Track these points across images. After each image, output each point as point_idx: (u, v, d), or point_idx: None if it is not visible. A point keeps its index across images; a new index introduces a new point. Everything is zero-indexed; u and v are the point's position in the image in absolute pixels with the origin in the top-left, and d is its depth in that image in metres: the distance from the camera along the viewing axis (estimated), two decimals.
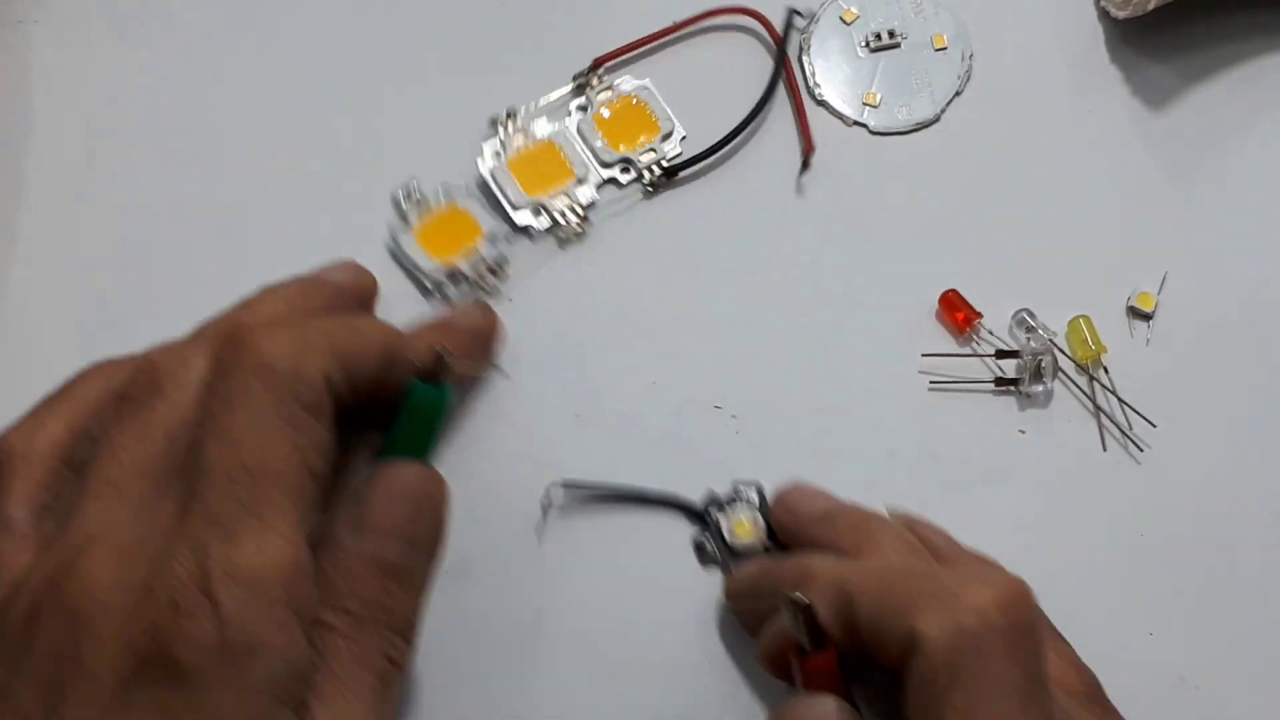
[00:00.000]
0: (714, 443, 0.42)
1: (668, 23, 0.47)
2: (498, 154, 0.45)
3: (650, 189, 0.45)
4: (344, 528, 0.31)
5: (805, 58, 0.48)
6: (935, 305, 0.44)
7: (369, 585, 0.31)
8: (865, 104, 0.47)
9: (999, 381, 0.43)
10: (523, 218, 0.44)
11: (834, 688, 0.32)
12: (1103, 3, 0.48)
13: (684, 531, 0.41)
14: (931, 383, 0.43)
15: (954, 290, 0.44)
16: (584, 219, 0.45)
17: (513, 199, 0.44)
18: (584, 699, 0.39)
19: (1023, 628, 0.30)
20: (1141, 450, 0.43)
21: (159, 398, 0.31)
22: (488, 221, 0.44)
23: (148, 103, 0.46)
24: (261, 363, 0.30)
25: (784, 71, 0.47)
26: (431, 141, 0.46)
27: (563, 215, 0.44)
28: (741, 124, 0.46)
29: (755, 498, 0.41)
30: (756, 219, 0.45)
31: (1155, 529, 0.42)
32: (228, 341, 0.30)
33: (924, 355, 0.43)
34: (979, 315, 0.44)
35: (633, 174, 0.45)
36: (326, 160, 0.46)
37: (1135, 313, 0.44)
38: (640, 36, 0.47)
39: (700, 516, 0.41)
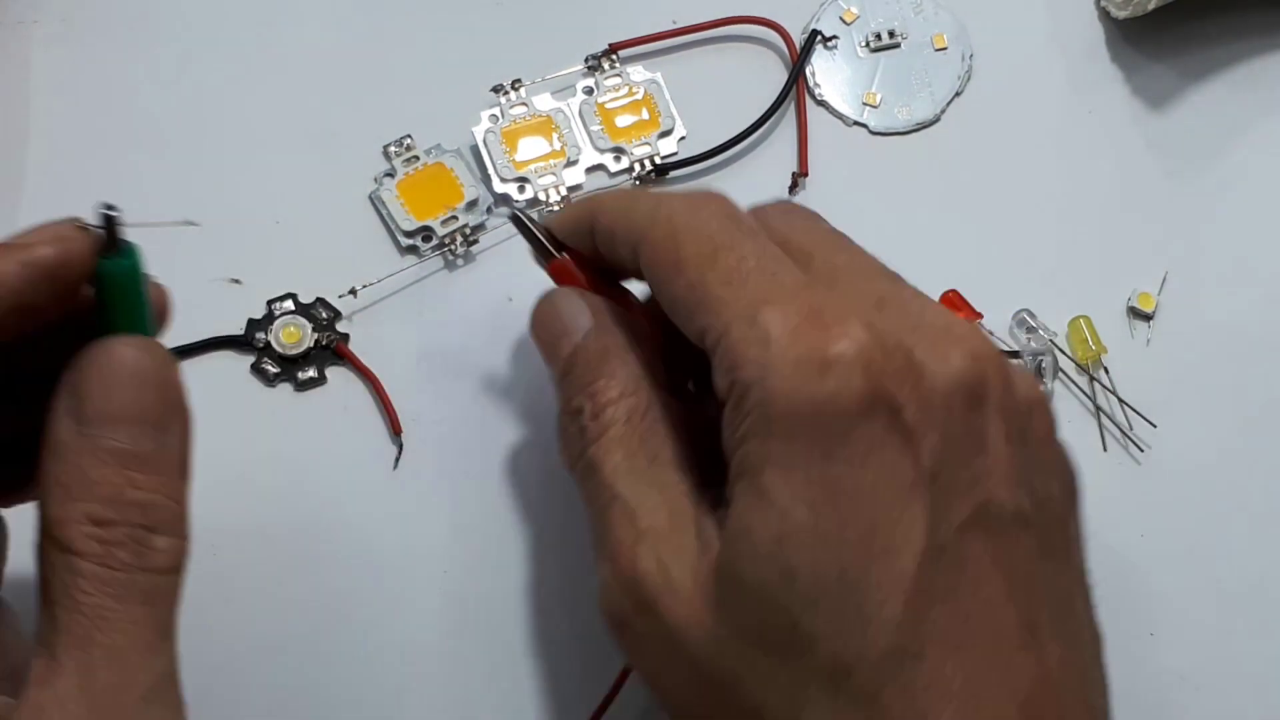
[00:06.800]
0: None
1: (690, 23, 0.47)
2: (494, 119, 0.45)
3: (638, 183, 0.45)
4: (63, 425, 0.27)
5: (806, 58, 0.48)
6: None
7: (108, 481, 0.26)
8: (865, 104, 0.47)
9: None
10: (504, 188, 0.44)
11: (576, 283, 0.37)
12: (1103, 3, 0.48)
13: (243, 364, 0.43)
14: None
15: (954, 290, 0.44)
16: (566, 200, 0.45)
17: (499, 168, 0.44)
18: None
19: None
20: (1142, 450, 0.43)
21: None
22: (472, 188, 0.44)
23: (148, 103, 0.46)
24: None
25: (795, 90, 0.47)
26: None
27: (545, 193, 0.45)
28: (742, 134, 0.46)
29: (290, 305, 0.43)
30: None
31: (1155, 529, 0.42)
32: None
33: None
34: (979, 315, 0.44)
35: (624, 164, 0.45)
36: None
37: (1135, 313, 0.44)
38: (660, 31, 0.47)
39: (248, 343, 0.42)
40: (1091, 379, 0.43)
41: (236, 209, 0.45)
